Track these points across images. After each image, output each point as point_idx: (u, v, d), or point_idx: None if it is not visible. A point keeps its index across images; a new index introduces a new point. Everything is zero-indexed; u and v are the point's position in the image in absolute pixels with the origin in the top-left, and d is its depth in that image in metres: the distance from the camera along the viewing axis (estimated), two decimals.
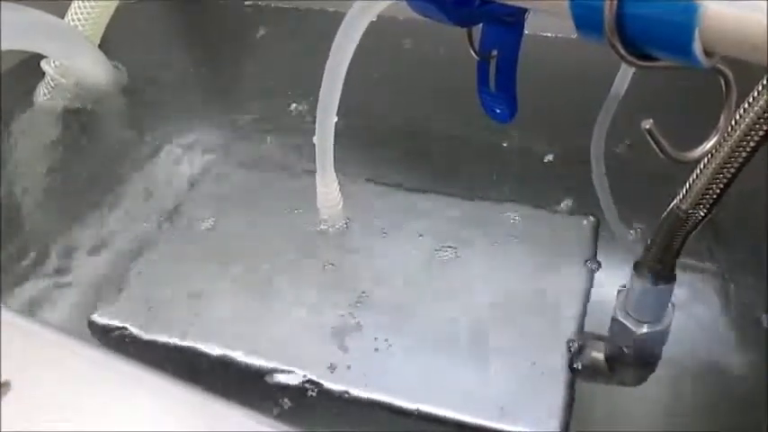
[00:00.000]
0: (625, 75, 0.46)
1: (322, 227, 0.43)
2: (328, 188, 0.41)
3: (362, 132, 0.50)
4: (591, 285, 0.38)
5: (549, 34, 0.58)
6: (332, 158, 0.39)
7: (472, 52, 0.35)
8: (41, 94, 0.57)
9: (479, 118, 0.38)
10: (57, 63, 0.56)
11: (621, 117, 0.47)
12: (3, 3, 0.47)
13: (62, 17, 0.54)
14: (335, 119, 0.37)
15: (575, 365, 0.35)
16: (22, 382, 0.25)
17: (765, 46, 0.18)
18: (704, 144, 0.23)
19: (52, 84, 0.57)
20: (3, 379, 0.25)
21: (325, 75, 0.35)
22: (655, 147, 0.22)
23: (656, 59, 0.21)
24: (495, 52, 0.35)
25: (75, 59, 0.55)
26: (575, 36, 0.22)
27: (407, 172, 0.50)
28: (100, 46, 0.57)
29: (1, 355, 0.25)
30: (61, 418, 0.24)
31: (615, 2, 0.21)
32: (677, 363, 0.37)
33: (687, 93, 0.42)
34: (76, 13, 0.54)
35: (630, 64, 0.22)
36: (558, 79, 0.54)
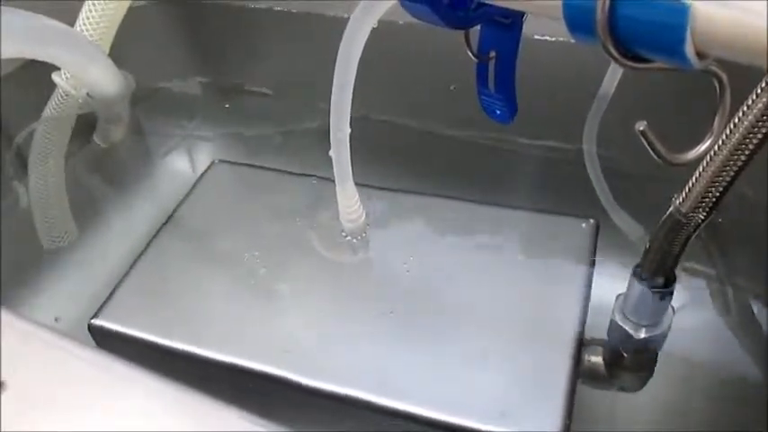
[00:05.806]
0: (614, 75, 0.45)
1: (345, 237, 0.42)
2: (349, 201, 0.40)
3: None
4: (590, 288, 0.38)
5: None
6: (350, 170, 0.38)
7: (470, 54, 0.34)
8: (52, 106, 0.57)
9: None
10: (68, 75, 0.55)
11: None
12: (19, 12, 0.47)
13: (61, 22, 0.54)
14: (349, 129, 0.36)
15: (575, 369, 0.35)
16: (19, 384, 0.25)
17: (757, 47, 0.18)
18: (698, 146, 0.23)
19: (64, 96, 0.57)
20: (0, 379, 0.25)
21: (334, 86, 0.34)
22: (648, 148, 0.22)
23: (648, 61, 0.21)
24: (493, 53, 0.35)
25: (89, 70, 0.54)
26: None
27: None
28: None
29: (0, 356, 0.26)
30: (59, 419, 0.24)
31: (607, 4, 0.20)
32: (678, 365, 0.37)
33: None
34: (85, 24, 0.54)
35: (623, 66, 0.21)
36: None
